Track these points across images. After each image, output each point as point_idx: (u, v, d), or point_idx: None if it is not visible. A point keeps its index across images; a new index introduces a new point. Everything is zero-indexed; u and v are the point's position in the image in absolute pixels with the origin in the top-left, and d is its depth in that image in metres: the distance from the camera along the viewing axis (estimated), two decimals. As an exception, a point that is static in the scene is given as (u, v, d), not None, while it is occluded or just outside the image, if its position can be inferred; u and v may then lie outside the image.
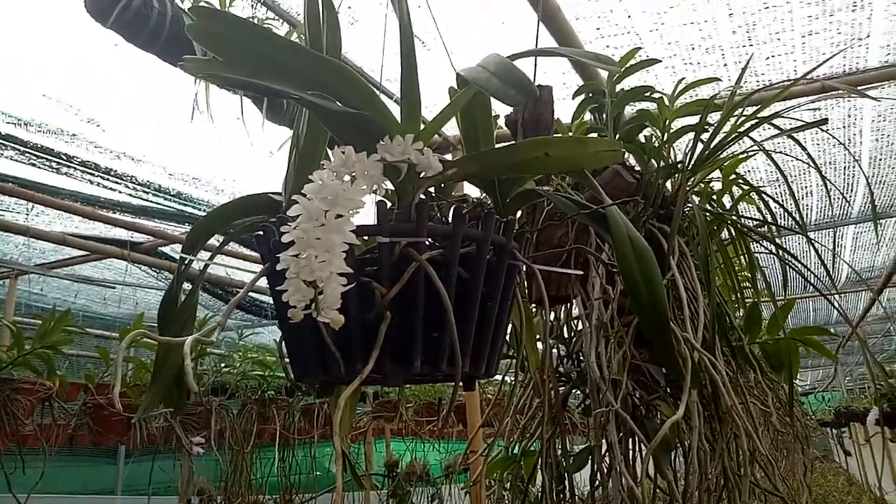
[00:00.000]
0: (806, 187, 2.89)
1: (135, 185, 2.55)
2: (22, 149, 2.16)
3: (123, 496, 5.44)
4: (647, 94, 1.34)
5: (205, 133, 2.27)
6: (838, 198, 2.95)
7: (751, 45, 2.00)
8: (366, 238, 0.57)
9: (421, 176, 0.52)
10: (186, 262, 0.72)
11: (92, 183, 2.45)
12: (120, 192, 2.57)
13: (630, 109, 1.42)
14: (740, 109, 1.26)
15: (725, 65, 2.09)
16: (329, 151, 0.64)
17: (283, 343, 0.62)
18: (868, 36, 1.90)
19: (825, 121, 1.22)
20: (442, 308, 0.53)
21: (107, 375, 2.18)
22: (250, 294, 4.04)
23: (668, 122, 1.33)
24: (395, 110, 0.54)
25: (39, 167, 2.28)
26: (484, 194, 0.63)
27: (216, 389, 2.57)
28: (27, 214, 2.56)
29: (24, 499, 1.92)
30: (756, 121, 1.28)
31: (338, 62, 0.50)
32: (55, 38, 1.67)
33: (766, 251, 1.47)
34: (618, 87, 1.36)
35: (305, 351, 0.57)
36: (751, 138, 1.32)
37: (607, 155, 0.55)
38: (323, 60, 0.50)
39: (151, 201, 2.72)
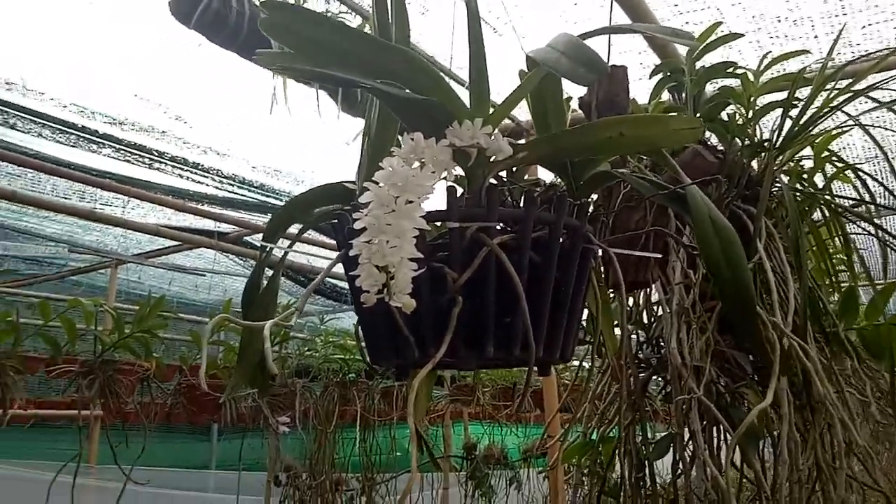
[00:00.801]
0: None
1: (220, 178, 2.67)
2: (118, 146, 2.30)
3: (217, 470, 5.75)
4: (730, 69, 1.28)
5: (284, 126, 2.34)
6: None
7: (844, 14, 1.87)
8: (437, 224, 0.58)
9: (491, 160, 0.52)
10: (267, 250, 0.75)
11: (181, 177, 2.58)
12: (207, 184, 2.69)
13: (710, 88, 1.36)
14: (832, 83, 1.18)
15: (816, 36, 1.96)
16: (400, 139, 0.65)
17: (359, 327, 0.63)
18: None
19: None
20: (514, 293, 0.52)
21: (198, 358, 2.30)
22: (330, 280, 4.15)
23: (753, 98, 1.27)
24: (466, 97, 0.54)
25: (134, 163, 2.42)
26: (557, 178, 0.62)
27: (300, 372, 2.67)
28: (124, 208, 2.72)
29: (128, 470, 2.06)
30: (851, 94, 1.20)
31: (405, 49, 0.50)
32: (144, 40, 1.76)
33: (864, 232, 1.38)
34: (697, 65, 1.30)
35: (380, 335, 0.58)
36: (845, 113, 1.24)
37: (686, 133, 0.53)
38: (391, 49, 0.50)
39: (236, 193, 2.83)
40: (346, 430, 2.99)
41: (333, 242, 3.32)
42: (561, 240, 0.56)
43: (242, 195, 2.86)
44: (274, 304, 0.73)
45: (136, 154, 2.35)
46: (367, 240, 0.44)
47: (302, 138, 2.37)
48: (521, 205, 0.54)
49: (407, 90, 0.49)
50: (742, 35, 1.30)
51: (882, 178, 2.30)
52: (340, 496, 3.22)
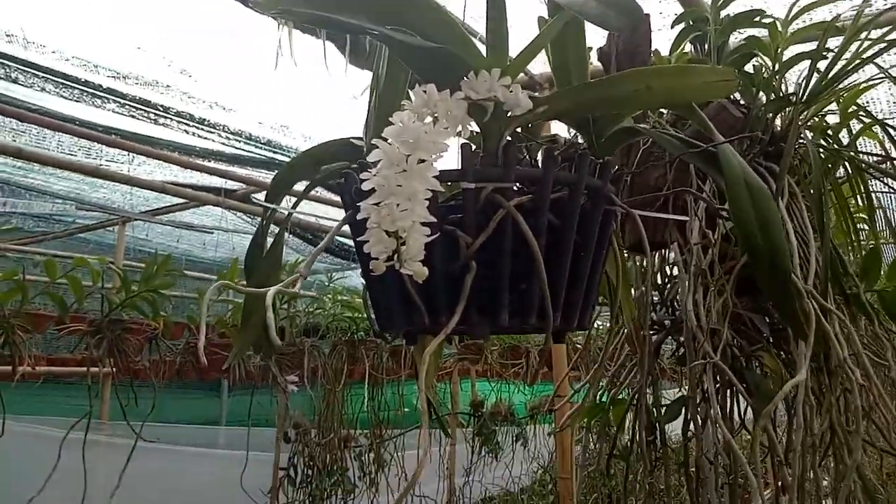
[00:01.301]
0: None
1: (227, 134, 2.62)
2: (122, 101, 2.25)
3: (227, 426, 5.85)
4: (758, 18, 1.22)
5: (292, 81, 2.28)
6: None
7: (876, -41, 1.77)
8: (449, 184, 0.54)
9: (508, 115, 0.48)
10: (270, 210, 0.72)
11: (187, 132, 2.54)
12: (213, 140, 2.65)
13: (734, 39, 1.30)
14: (865, 33, 1.13)
15: (845, -18, 1.87)
16: (410, 92, 0.61)
17: (367, 292, 0.60)
18: None
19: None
20: (531, 258, 0.49)
21: (207, 317, 2.29)
22: (338, 238, 4.13)
23: (780, 49, 1.21)
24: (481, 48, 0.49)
25: (139, 118, 2.37)
26: (575, 134, 0.58)
27: (308, 331, 2.66)
28: (129, 164, 2.69)
29: (139, 427, 2.08)
30: (885, 44, 1.14)
31: (418, -7, 0.46)
32: (145, -11, 1.70)
33: (890, 190, 1.33)
34: (722, 14, 1.24)
35: (389, 301, 0.55)
36: (876, 65, 1.18)
37: (719, 86, 0.48)
38: (402, -7, 0.46)
39: (243, 149, 2.79)
40: (355, 387, 3.01)
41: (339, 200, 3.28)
42: (582, 201, 0.52)
43: (250, 152, 2.82)
44: (278, 267, 0.70)
45: (140, 109, 2.30)
46: (376, 202, 0.40)
47: (310, 93, 2.31)
48: (540, 163, 0.50)
49: (418, 37, 0.45)
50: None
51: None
52: (349, 452, 3.26)
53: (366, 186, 0.42)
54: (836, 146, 1.31)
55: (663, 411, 1.24)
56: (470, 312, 0.50)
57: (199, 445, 4.50)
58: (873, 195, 1.41)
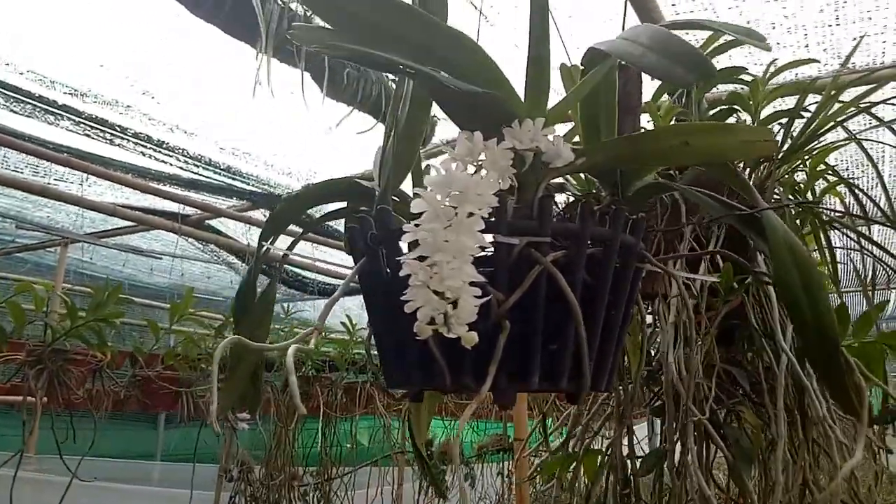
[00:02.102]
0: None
1: (186, 158, 2.53)
2: (77, 119, 2.15)
3: (163, 462, 5.56)
4: (739, 74, 1.24)
5: (256, 108, 2.23)
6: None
7: (837, 25, 1.86)
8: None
9: (549, 166, 0.45)
10: (264, 248, 0.67)
11: (144, 155, 2.44)
12: (171, 164, 2.56)
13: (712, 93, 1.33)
14: (839, 95, 1.16)
15: (807, 45, 1.95)
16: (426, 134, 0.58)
17: (377, 346, 0.56)
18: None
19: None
20: (565, 317, 0.46)
21: (155, 347, 2.18)
22: (293, 269, 4.04)
23: (759, 106, 1.24)
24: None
25: (94, 138, 2.27)
26: (600, 189, 0.56)
27: (268, 366, 2.56)
28: (81, 185, 2.56)
29: (71, 461, 1.94)
30: (855, 110, 1.18)
31: (460, 33, 0.43)
32: (115, 7, 1.63)
33: (858, 248, 1.37)
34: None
35: (403, 357, 0.51)
36: (845, 129, 1.22)
37: (759, 146, 0.47)
38: (439, 28, 0.43)
39: (201, 175, 2.70)
40: (308, 424, 2.91)
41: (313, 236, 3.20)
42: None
43: (208, 177, 2.73)
44: (271, 311, 0.65)
45: (96, 128, 2.20)
46: (421, 258, 0.37)
47: (277, 121, 2.26)
48: (577, 218, 0.47)
49: (461, 80, 0.42)
50: (744, 43, 1.26)
51: (869, 188, 2.33)
52: (295, 492, 3.13)
53: (407, 238, 0.38)
54: (806, 202, 1.34)
55: (638, 463, 1.22)
56: (499, 376, 0.47)
57: (134, 482, 4.25)
58: (836, 250, 1.44)
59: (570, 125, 0.79)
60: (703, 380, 1.10)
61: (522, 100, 0.46)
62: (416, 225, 0.38)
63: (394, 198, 0.59)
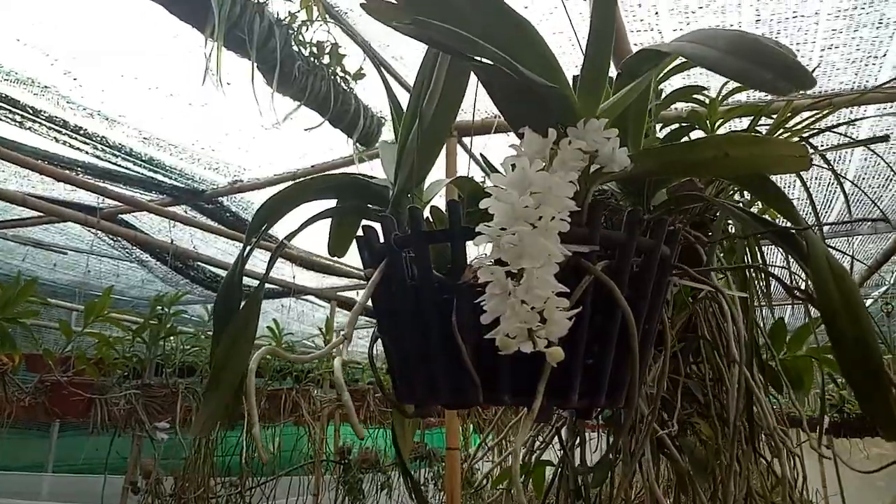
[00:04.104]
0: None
1: (104, 146, 2.36)
2: (-17, 97, 1.95)
3: (55, 473, 5.15)
4: (697, 93, 1.28)
5: (189, 98, 2.11)
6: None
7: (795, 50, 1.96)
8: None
9: (601, 171, 0.43)
10: (250, 247, 0.61)
11: (58, 141, 2.25)
12: (87, 152, 2.37)
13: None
14: (787, 115, 1.22)
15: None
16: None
17: (388, 357, 0.52)
18: (885, 55, 1.89)
19: (886, 137, 1.19)
20: (611, 331, 0.44)
21: (67, 350, 2.00)
22: (213, 269, 3.85)
23: (716, 125, 1.28)
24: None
25: (1, 119, 2.07)
26: (623, 199, 0.54)
27: (183, 370, 2.41)
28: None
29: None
30: (807, 133, 1.24)
31: (521, 17, 0.40)
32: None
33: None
34: (661, 86, 1.30)
35: (431, 371, 0.47)
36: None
37: (794, 160, 0.47)
38: (504, 13, 0.40)
39: (120, 165, 2.52)
40: (229, 432, 2.77)
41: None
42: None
43: (127, 168, 2.55)
44: (257, 319, 0.59)
45: (4, 108, 2.01)
46: (500, 263, 0.33)
47: (209, 113, 2.14)
48: (623, 226, 0.45)
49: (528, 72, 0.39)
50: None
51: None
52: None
53: (481, 242, 0.34)
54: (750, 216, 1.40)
55: (591, 476, 1.22)
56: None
57: (21, 496, 3.92)
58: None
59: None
60: (674, 396, 1.11)
61: (577, 100, 0.43)
62: (488, 226, 0.34)
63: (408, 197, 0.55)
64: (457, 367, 0.45)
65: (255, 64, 1.44)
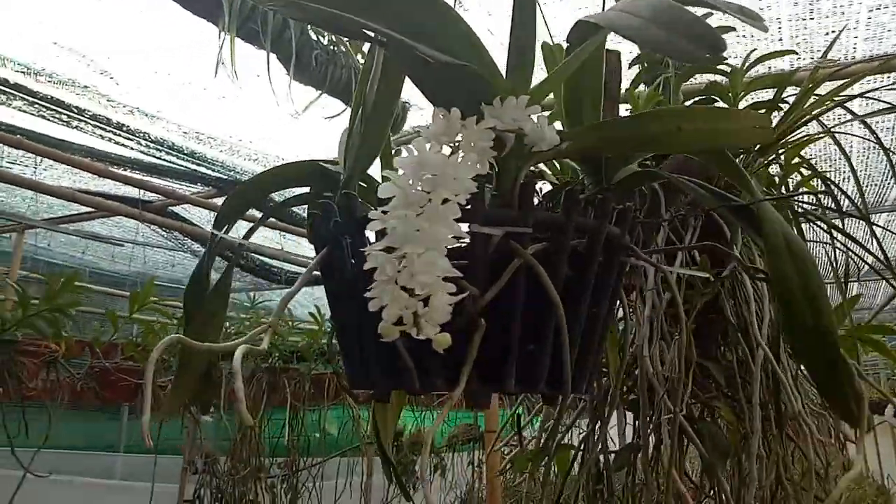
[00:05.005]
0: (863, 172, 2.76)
1: (147, 142, 2.44)
2: (31, 99, 2.04)
3: (125, 454, 5.42)
4: (718, 64, 1.22)
5: (221, 91, 2.15)
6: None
7: (811, 19, 1.86)
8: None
9: (531, 150, 0.41)
10: (218, 237, 0.62)
11: (103, 138, 2.34)
12: (132, 148, 2.46)
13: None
14: (810, 86, 1.16)
15: (780, 39, 1.95)
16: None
17: (338, 342, 0.52)
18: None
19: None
20: (547, 315, 0.43)
21: (115, 337, 2.09)
22: (260, 257, 3.95)
23: (739, 96, 1.22)
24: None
25: (49, 119, 2.17)
26: (583, 177, 0.52)
27: (224, 356, 2.48)
28: (35, 168, 2.45)
29: (31, 455, 1.86)
30: (831, 103, 1.17)
31: (437, -1, 0.39)
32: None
33: (830, 241, 1.37)
34: (680, 57, 1.25)
35: (369, 358, 0.47)
36: (820, 122, 1.21)
37: (755, 132, 0.44)
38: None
39: (164, 159, 2.61)
40: (276, 411, 2.85)
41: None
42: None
43: (171, 162, 2.63)
44: (225, 306, 0.60)
45: (51, 109, 2.10)
46: (389, 249, 0.33)
47: (240, 105, 2.18)
48: (562, 207, 0.43)
49: (437, 51, 0.38)
50: (733, 28, 1.25)
51: (840, 181, 2.35)
52: (262, 483, 3.07)
53: (374, 227, 0.34)
54: (783, 194, 1.33)
55: (612, 458, 1.19)
56: (472, 378, 0.43)
57: (96, 475, 4.14)
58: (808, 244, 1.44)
59: (547, 114, 0.76)
60: (679, 374, 1.08)
61: (505, 79, 0.42)
62: (384, 212, 0.34)
63: (361, 184, 0.54)
64: (392, 354, 0.44)
65: (273, 55, 1.46)
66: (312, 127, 2.31)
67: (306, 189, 0.66)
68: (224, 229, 0.63)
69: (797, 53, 1.84)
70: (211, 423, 2.54)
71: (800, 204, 1.37)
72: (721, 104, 1.22)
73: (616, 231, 0.46)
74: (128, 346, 2.14)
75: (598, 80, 0.49)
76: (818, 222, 1.38)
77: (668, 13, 0.34)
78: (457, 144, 0.37)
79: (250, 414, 2.73)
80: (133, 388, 2.08)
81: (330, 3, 0.34)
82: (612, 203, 0.44)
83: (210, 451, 3.18)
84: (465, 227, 0.43)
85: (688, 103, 1.24)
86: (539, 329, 0.44)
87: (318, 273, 0.51)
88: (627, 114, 1.06)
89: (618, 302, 0.57)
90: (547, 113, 0.40)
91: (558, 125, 0.53)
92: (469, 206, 0.43)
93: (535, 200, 0.47)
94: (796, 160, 1.37)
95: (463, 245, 0.44)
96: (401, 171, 0.34)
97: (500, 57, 0.44)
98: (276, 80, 1.55)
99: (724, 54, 1.44)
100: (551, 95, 0.53)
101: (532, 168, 0.72)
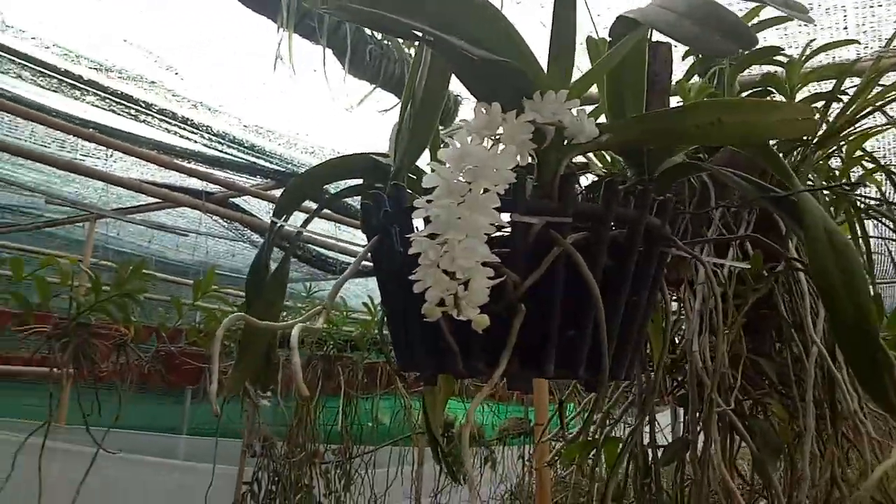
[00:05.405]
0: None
1: (210, 135, 2.54)
2: (102, 94, 2.16)
3: (188, 436, 5.65)
4: (775, 55, 1.19)
5: (281, 85, 2.22)
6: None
7: (879, 6, 1.78)
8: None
9: (569, 143, 0.43)
10: (278, 225, 0.66)
11: (169, 132, 2.45)
12: (196, 141, 2.56)
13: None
14: (873, 76, 1.12)
15: (846, 27, 1.88)
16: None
17: (387, 327, 0.54)
18: None
19: None
20: (586, 303, 0.44)
21: (180, 323, 2.19)
22: (316, 248, 4.05)
23: (795, 88, 1.19)
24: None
25: (119, 114, 2.28)
26: (626, 169, 0.53)
27: (282, 342, 2.57)
28: (106, 160, 2.58)
29: (100, 434, 1.98)
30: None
31: (479, -1, 0.40)
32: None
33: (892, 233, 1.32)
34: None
35: (414, 340, 0.50)
36: (884, 113, 1.17)
37: (799, 124, 0.44)
38: (462, -4, 0.40)
39: (225, 152, 2.70)
40: (328, 402, 2.93)
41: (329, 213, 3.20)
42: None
43: (232, 155, 2.73)
44: (284, 292, 0.64)
45: (121, 104, 2.21)
46: (432, 236, 0.35)
47: (297, 99, 2.25)
48: (601, 198, 0.45)
49: (481, 49, 0.40)
50: (791, 19, 1.21)
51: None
52: (317, 469, 3.16)
53: (419, 215, 0.36)
54: (842, 189, 1.29)
55: (660, 453, 1.19)
56: (512, 362, 0.45)
57: (160, 455, 4.33)
58: (871, 240, 1.39)
59: (592, 108, 0.76)
60: (729, 370, 1.07)
61: (545, 73, 0.43)
62: (429, 201, 0.36)
63: (411, 175, 0.57)
64: (437, 336, 0.46)
65: (329, 50, 1.50)
66: (367, 120, 2.35)
67: (360, 181, 0.69)
68: (282, 219, 0.67)
69: (860, 42, 1.77)
70: (269, 409, 2.63)
71: (863, 199, 1.32)
72: (777, 96, 1.20)
73: (656, 222, 0.47)
74: (191, 331, 2.23)
75: (640, 73, 0.50)
76: (882, 219, 1.34)
77: (704, 9, 0.35)
78: (497, 137, 0.38)
79: (307, 402, 2.81)
80: (196, 371, 2.18)
81: (375, 4, 0.36)
82: (651, 194, 0.45)
83: (268, 435, 3.29)
84: (507, 216, 0.45)
85: (743, 95, 1.22)
86: (578, 316, 0.45)
87: (369, 263, 0.54)
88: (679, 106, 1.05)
89: (671, 295, 0.58)
90: (591, 107, 0.41)
91: (602, 118, 0.54)
92: (510, 197, 0.45)
93: (578, 191, 0.48)
94: (858, 153, 1.32)
95: (507, 234, 0.45)
96: (444, 163, 0.37)
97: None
98: (332, 75, 1.60)
99: (785, 45, 1.40)
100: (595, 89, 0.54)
101: (577, 160, 0.73)
